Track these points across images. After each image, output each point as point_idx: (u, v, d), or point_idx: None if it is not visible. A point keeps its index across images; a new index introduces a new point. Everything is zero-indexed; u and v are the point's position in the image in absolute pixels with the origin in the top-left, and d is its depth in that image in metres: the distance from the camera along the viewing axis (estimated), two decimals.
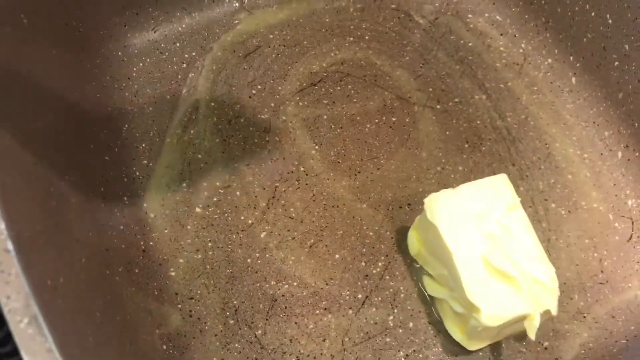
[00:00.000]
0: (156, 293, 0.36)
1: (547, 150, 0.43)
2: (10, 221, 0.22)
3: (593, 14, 0.43)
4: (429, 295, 0.37)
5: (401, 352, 0.36)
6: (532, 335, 0.32)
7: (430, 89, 0.45)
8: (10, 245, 0.21)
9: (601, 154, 0.43)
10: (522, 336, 0.36)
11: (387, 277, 0.38)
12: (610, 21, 0.41)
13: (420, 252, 0.37)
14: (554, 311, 0.32)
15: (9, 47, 0.31)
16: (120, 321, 0.32)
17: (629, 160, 0.42)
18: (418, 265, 0.38)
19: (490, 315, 0.31)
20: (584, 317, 0.37)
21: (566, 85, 0.46)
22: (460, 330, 0.34)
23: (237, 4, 0.48)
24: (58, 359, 0.19)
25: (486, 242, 0.33)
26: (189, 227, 0.39)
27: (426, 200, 0.34)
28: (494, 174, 0.42)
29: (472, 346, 0.34)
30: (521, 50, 0.48)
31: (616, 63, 0.42)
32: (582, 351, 0.36)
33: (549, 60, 0.47)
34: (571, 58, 0.45)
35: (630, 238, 0.40)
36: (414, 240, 0.37)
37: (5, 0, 0.32)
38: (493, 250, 0.32)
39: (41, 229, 0.26)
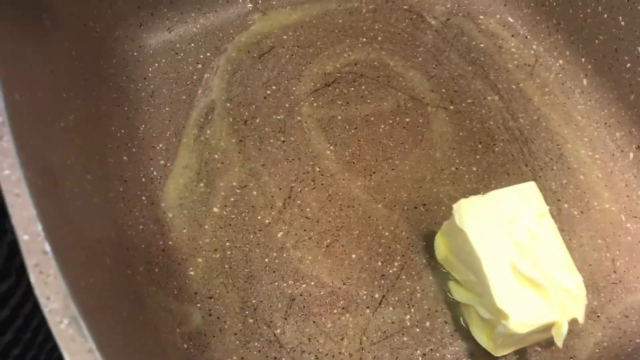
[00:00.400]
0: (176, 292, 0.36)
1: (559, 151, 0.44)
2: (45, 223, 0.22)
3: (605, 15, 0.43)
4: (455, 300, 0.37)
5: (418, 351, 0.36)
6: (559, 343, 0.32)
7: (443, 90, 0.46)
8: (47, 247, 0.21)
9: (613, 155, 0.43)
10: (548, 343, 0.36)
11: (404, 277, 0.38)
12: (622, 23, 0.42)
13: (447, 257, 0.37)
14: (581, 319, 0.32)
15: (34, 47, 0.31)
16: (143, 320, 0.33)
17: None
18: (445, 270, 0.38)
19: (518, 322, 0.31)
20: (598, 316, 0.38)
21: (577, 87, 0.46)
22: (486, 336, 0.35)
23: (250, 5, 0.48)
24: (99, 359, 0.20)
25: (514, 249, 0.33)
26: (206, 226, 0.39)
27: (455, 206, 0.34)
28: (507, 174, 0.43)
29: (498, 352, 0.35)
30: (532, 52, 0.48)
31: (628, 65, 0.42)
32: (597, 350, 0.36)
33: (561, 62, 0.47)
34: (583, 60, 0.46)
35: None
36: (440, 246, 0.37)
37: (28, 1, 0.32)
38: (521, 258, 0.33)
39: (69, 231, 0.27)
